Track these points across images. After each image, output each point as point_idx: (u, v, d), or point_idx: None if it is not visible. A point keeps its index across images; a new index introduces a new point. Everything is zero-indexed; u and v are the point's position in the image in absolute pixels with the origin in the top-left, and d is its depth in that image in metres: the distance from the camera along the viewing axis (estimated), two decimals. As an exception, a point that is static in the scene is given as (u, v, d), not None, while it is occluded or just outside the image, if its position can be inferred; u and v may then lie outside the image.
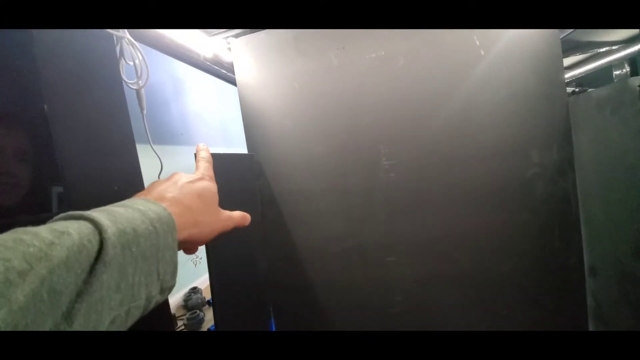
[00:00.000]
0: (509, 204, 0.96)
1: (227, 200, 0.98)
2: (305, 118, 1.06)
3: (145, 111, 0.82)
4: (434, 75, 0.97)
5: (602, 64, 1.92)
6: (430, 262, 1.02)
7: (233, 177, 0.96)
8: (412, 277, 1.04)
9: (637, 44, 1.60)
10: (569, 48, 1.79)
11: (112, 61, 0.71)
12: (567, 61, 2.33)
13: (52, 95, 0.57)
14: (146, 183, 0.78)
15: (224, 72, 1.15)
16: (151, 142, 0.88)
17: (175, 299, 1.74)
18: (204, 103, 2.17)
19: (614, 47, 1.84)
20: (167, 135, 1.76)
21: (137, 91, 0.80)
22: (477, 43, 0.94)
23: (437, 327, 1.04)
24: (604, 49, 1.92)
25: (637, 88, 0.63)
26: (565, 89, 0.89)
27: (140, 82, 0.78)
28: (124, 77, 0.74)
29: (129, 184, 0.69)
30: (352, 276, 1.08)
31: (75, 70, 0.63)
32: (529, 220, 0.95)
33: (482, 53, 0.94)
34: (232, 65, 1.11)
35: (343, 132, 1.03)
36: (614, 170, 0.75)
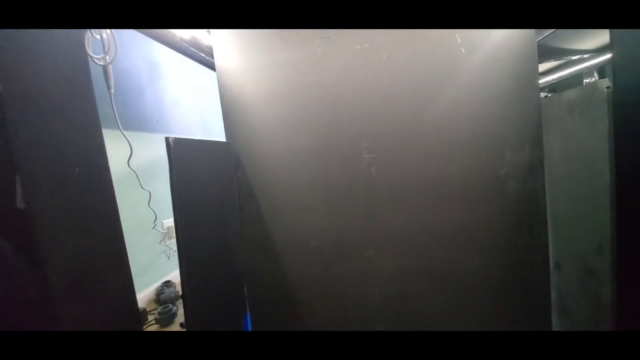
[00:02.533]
0: (483, 201, 0.98)
1: (204, 192, 0.95)
2: (288, 109, 1.04)
3: (112, 90, 0.76)
4: (416, 71, 0.97)
5: (574, 72, 2.02)
6: (407, 256, 1.03)
7: (210, 166, 0.92)
8: (389, 271, 1.05)
9: (606, 53, 1.70)
10: (543, 54, 1.87)
11: (76, 33, 0.65)
12: (541, 67, 2.43)
13: (5, 73, 0.51)
14: (114, 168, 0.73)
15: (202, 56, 1.10)
16: (120, 126, 0.83)
17: (146, 293, 1.67)
18: (182, 89, 2.08)
19: (585, 56, 1.94)
20: (141, 121, 1.67)
21: (104, 67, 0.74)
22: (459, 41, 0.95)
23: (411, 319, 1.05)
24: (576, 57, 2.02)
25: (605, 90, 0.66)
26: (539, 91, 0.92)
27: (107, 57, 0.72)
28: (89, 51, 0.68)
29: (91, 167, 0.64)
30: (331, 270, 1.07)
31: (34, 44, 0.57)
32: (501, 217, 0.98)
33: (463, 51, 0.95)
34: (211, 49, 1.06)
35: (325, 125, 1.02)
36: (581, 170, 0.79)
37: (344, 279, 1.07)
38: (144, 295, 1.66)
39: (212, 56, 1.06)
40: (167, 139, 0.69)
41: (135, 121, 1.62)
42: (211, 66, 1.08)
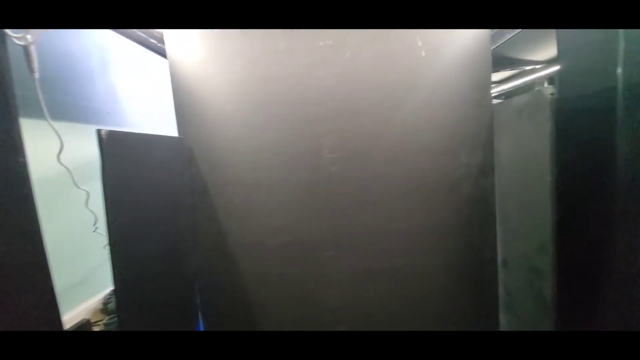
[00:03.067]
0: (440, 201, 1.01)
1: (149, 189, 0.87)
2: (247, 103, 0.99)
3: (37, 74, 0.67)
4: (378, 71, 0.97)
5: (527, 81, 2.17)
6: (367, 256, 1.03)
7: (158, 162, 0.85)
8: (350, 272, 1.04)
9: (557, 64, 1.84)
10: (500, 63, 1.98)
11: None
12: (498, 76, 2.57)
13: None
14: (38, 162, 0.64)
15: (153, 43, 1.01)
16: (48, 116, 0.73)
17: (90, 303, 1.52)
18: (139, 78, 1.92)
19: (537, 66, 2.08)
20: (88, 112, 1.51)
21: (25, 48, 0.64)
22: (419, 44, 0.96)
23: (372, 320, 1.05)
24: (529, 67, 2.16)
25: (549, 97, 0.69)
26: (491, 96, 0.96)
27: (29, 36, 0.63)
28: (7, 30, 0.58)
29: (2, 162, 0.55)
30: (289, 271, 1.04)
31: None
32: (456, 217, 1.01)
33: (423, 54, 0.96)
34: (162, 35, 0.98)
35: (287, 121, 0.98)
36: (527, 173, 0.83)
37: (303, 280, 1.04)
38: (88, 305, 1.51)
39: (162, 42, 0.98)
40: (98, 132, 0.61)
41: (81, 112, 1.47)
42: (161, 53, 1.00)
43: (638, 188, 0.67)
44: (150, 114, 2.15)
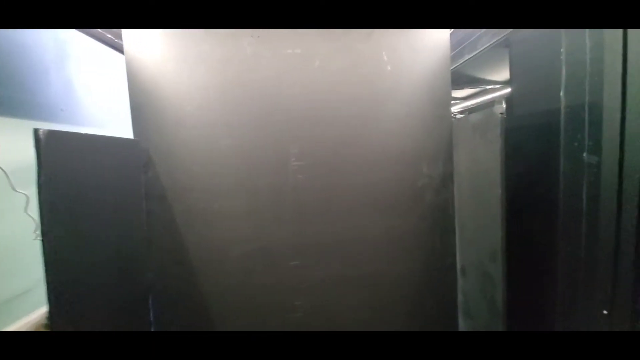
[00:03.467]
0: (404, 209, 1.03)
1: (96, 194, 0.80)
2: (211, 105, 0.95)
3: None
4: (346, 81, 0.99)
5: (488, 99, 2.33)
6: (333, 265, 1.02)
7: (108, 164, 0.79)
8: (315, 280, 1.02)
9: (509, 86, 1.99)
10: (462, 81, 2.10)
11: None
12: (461, 93, 2.73)
13: None
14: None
15: (110, 38, 0.95)
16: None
17: (32, 318, 1.37)
18: (99, 75, 1.79)
19: (496, 86, 2.24)
20: (35, 108, 1.38)
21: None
22: (385, 59, 0.99)
23: (336, 328, 1.05)
24: (489, 87, 2.32)
25: (499, 115, 0.74)
26: (451, 111, 1.02)
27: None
28: None
29: None
30: (253, 281, 1.01)
31: None
32: (419, 225, 1.05)
33: (389, 69, 1.00)
34: (120, 30, 0.92)
35: (253, 127, 0.96)
36: (481, 185, 0.88)
37: (268, 290, 1.01)
38: (28, 320, 1.35)
39: (120, 37, 0.92)
40: (36, 131, 0.56)
41: (27, 108, 1.34)
42: (119, 48, 0.94)
43: (577, 202, 0.74)
44: (118, 114, 2.01)
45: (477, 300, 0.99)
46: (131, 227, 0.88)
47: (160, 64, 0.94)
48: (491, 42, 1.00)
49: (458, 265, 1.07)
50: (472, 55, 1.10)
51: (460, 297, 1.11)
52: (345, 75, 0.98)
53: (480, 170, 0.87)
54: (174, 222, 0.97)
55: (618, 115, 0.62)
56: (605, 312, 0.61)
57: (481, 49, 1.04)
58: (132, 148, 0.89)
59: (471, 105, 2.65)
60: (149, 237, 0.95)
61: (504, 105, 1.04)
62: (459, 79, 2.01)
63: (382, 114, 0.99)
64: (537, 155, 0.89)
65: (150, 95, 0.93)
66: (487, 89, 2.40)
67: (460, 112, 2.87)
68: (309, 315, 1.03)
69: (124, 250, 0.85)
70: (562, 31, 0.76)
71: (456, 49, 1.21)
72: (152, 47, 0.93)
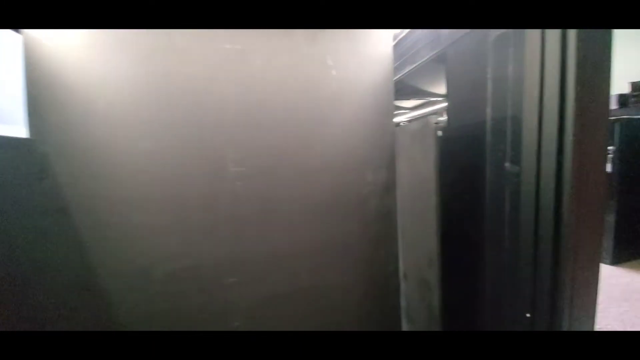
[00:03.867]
0: (349, 218, 1.01)
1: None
2: (130, 101, 0.81)
3: None
4: (290, 83, 0.94)
5: (431, 110, 2.51)
6: (274, 280, 0.95)
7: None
8: (254, 298, 0.94)
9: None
10: (410, 93, 2.23)
11: None
12: (408, 103, 2.89)
13: None
14: None
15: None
16: None
17: None
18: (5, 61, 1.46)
19: (439, 98, 2.42)
20: None
21: None
22: (330, 63, 0.97)
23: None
24: (434, 99, 2.49)
25: (433, 125, 0.76)
26: (393, 120, 1.04)
27: None
28: None
29: None
30: (183, 305, 0.88)
31: None
32: (363, 234, 1.04)
33: (334, 73, 0.98)
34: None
35: (182, 128, 0.85)
36: (419, 192, 0.90)
37: (201, 313, 0.90)
38: None
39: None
40: None
41: None
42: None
43: (501, 209, 0.80)
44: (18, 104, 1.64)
45: (417, 305, 1.01)
46: (22, 246, 0.70)
47: (67, 47, 0.77)
48: (430, 55, 1.05)
49: (401, 272, 1.09)
50: (413, 66, 1.15)
51: (403, 302, 1.13)
52: (289, 76, 0.93)
53: (418, 178, 0.89)
54: (80, 241, 0.80)
55: (536, 128, 0.67)
56: (527, 314, 0.65)
57: (420, 62, 1.08)
58: (21, 150, 0.71)
59: (418, 115, 2.83)
60: (46, 261, 0.77)
61: (446, 117, 1.10)
62: (405, 89, 2.12)
63: (327, 119, 0.97)
64: (469, 164, 0.95)
65: (52, 85, 0.76)
66: (432, 101, 2.58)
67: (409, 122, 3.06)
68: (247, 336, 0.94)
69: (12, 272, 0.67)
70: (490, 48, 0.82)
71: (399, 61, 1.25)
72: (58, 31, 0.76)
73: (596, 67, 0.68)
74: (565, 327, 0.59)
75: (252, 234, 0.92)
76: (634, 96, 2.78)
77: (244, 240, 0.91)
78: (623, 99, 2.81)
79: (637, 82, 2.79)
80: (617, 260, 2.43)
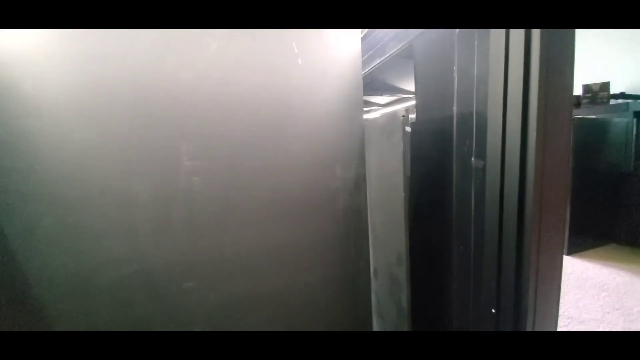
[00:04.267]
0: (317, 215, 0.97)
1: None
2: (63, 85, 0.71)
3: None
4: (250, 71, 0.87)
5: (405, 107, 2.53)
6: (237, 281, 0.89)
7: None
8: (215, 302, 0.87)
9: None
10: (381, 88, 2.22)
11: None
12: (381, 100, 2.89)
13: None
14: None
15: None
16: None
17: None
18: None
19: (410, 95, 2.43)
20: None
21: None
22: (296, 50, 0.91)
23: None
24: (405, 95, 2.50)
25: (401, 118, 0.73)
26: (363, 113, 1.01)
27: None
28: None
29: None
30: (133, 315, 0.79)
31: None
32: (332, 230, 1.00)
33: (300, 62, 0.92)
34: None
35: (125, 118, 0.75)
36: (387, 187, 0.88)
37: (155, 322, 0.82)
38: None
39: None
40: None
41: None
42: None
43: (466, 204, 0.79)
44: None
45: (387, 302, 1.00)
46: None
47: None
48: (398, 47, 1.02)
49: (371, 268, 1.07)
50: (382, 59, 1.12)
51: (373, 299, 1.11)
52: (249, 63, 0.86)
53: (387, 172, 0.87)
54: (6, 247, 0.68)
55: (500, 123, 0.67)
56: (493, 310, 0.65)
57: (389, 54, 1.05)
58: None
59: (391, 111, 2.86)
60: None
61: (415, 112, 1.08)
62: (377, 84, 2.10)
63: (292, 110, 0.91)
64: (436, 160, 0.94)
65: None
66: (404, 98, 2.60)
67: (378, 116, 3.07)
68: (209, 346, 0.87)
69: None
70: (455, 41, 0.81)
71: (367, 54, 1.22)
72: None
73: (560, 64, 0.69)
74: (530, 318, 0.59)
75: (211, 233, 0.85)
76: (585, 97, 3.00)
77: (201, 241, 0.84)
78: (576, 100, 3.03)
79: (588, 84, 3.01)
80: (572, 250, 2.62)
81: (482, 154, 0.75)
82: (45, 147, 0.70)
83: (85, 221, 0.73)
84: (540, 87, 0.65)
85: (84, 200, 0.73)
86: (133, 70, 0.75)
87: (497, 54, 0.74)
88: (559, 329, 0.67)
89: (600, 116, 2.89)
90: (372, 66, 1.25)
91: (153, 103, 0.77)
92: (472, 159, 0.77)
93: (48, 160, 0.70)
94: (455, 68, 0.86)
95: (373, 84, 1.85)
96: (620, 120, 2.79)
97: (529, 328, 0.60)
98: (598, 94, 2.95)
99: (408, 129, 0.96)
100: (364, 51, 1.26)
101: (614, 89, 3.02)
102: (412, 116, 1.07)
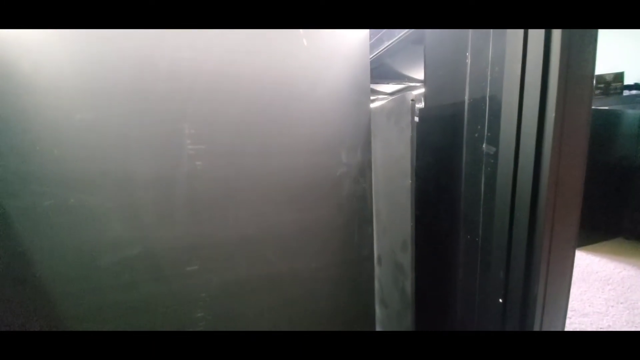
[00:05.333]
0: (321, 200, 0.96)
1: None
2: (63, 65, 0.69)
3: None
4: (255, 54, 0.84)
5: (414, 95, 2.48)
6: (240, 265, 0.89)
7: None
8: (218, 285, 0.87)
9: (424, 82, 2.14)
10: (388, 76, 2.16)
11: None
12: (388, 88, 2.83)
13: None
14: None
15: None
16: None
17: None
18: None
19: (418, 84, 2.37)
20: None
21: None
22: (301, 32, 0.88)
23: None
24: (414, 84, 2.44)
25: (410, 102, 0.70)
26: (370, 98, 0.98)
27: None
28: None
29: None
30: (136, 297, 0.80)
31: None
32: (336, 216, 0.99)
33: (305, 44, 0.89)
34: None
35: (127, 99, 0.74)
36: (393, 173, 0.86)
37: (157, 305, 0.82)
38: None
39: None
40: None
41: None
42: None
43: (476, 190, 0.77)
44: None
45: (391, 290, 0.99)
46: None
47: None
48: (407, 30, 0.98)
49: (375, 255, 1.06)
50: (390, 42, 1.08)
51: (377, 286, 1.11)
52: (253, 43, 0.83)
53: (393, 158, 0.85)
54: (9, 227, 0.68)
55: (516, 108, 0.64)
56: (500, 300, 0.64)
57: (398, 36, 1.01)
58: None
59: (398, 95, 2.81)
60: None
61: (423, 97, 1.04)
62: (384, 71, 2.05)
63: (296, 93, 0.88)
64: (445, 145, 0.92)
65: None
66: (412, 86, 2.54)
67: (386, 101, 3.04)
68: (213, 327, 0.88)
69: None
70: (470, 30, 0.77)
71: (375, 37, 1.18)
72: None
73: (581, 48, 0.65)
74: (538, 310, 0.58)
75: (215, 217, 0.84)
76: (598, 88, 2.91)
77: (205, 225, 0.83)
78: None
79: (601, 74, 2.91)
80: (578, 243, 2.59)
81: (494, 141, 0.73)
82: (44, 128, 0.69)
83: (92, 201, 0.73)
84: (560, 70, 0.62)
85: (84, 181, 0.72)
86: (135, 53, 0.73)
87: (515, 32, 0.70)
88: (564, 320, 0.66)
89: (613, 107, 2.81)
90: (381, 49, 1.21)
91: (155, 84, 0.75)
92: (484, 145, 0.75)
93: (46, 140, 0.69)
94: (469, 48, 0.82)
95: (380, 68, 1.80)
96: (633, 112, 2.70)
97: (536, 320, 0.59)
98: (611, 84, 2.85)
99: (416, 119, 0.93)
100: (372, 34, 1.22)
101: (628, 80, 2.92)
102: (419, 105, 1.03)
